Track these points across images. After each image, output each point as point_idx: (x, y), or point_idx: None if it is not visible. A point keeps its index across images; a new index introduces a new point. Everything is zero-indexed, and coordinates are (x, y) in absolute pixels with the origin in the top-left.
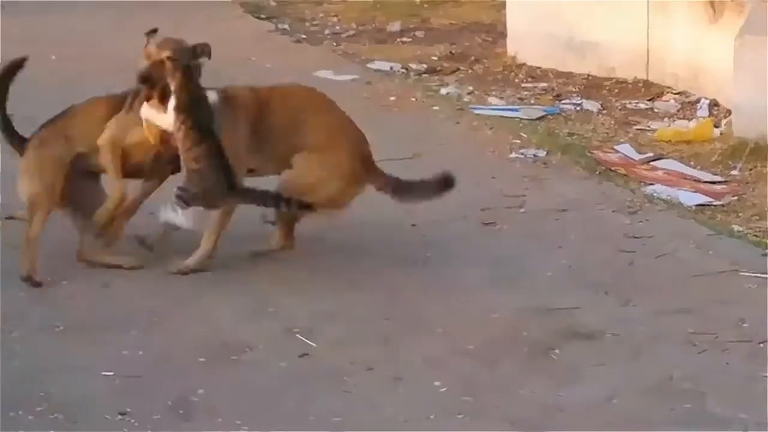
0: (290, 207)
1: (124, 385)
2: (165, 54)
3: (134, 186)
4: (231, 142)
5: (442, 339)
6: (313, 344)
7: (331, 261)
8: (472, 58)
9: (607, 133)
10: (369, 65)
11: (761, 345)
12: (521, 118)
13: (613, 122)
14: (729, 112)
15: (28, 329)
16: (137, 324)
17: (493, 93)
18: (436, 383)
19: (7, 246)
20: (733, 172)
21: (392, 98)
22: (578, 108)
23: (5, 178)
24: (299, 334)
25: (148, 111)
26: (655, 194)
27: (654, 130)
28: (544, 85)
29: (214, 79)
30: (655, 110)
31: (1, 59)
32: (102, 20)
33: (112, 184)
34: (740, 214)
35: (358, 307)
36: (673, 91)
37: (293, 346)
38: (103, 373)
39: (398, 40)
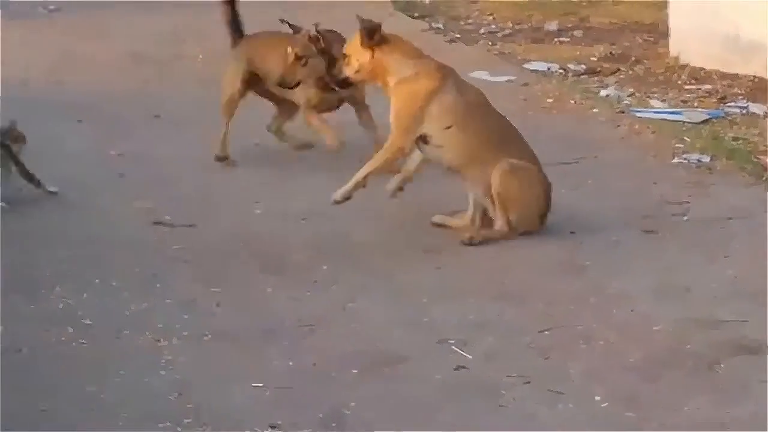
0: None
1: (274, 396)
2: None
3: None
4: None
5: (602, 351)
6: (469, 356)
7: (483, 269)
8: (633, 58)
9: None
10: (526, 66)
11: None
12: (684, 122)
13: None
14: None
15: (176, 338)
16: (287, 333)
17: (655, 95)
18: (597, 398)
19: (158, 253)
20: None
21: (550, 100)
22: (744, 111)
23: None
24: (454, 346)
25: None
26: None
27: None
28: (708, 87)
29: None
30: None
31: (149, 57)
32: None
33: None
34: None
35: (513, 318)
36: None
37: (448, 358)
38: (253, 384)
39: (556, 39)
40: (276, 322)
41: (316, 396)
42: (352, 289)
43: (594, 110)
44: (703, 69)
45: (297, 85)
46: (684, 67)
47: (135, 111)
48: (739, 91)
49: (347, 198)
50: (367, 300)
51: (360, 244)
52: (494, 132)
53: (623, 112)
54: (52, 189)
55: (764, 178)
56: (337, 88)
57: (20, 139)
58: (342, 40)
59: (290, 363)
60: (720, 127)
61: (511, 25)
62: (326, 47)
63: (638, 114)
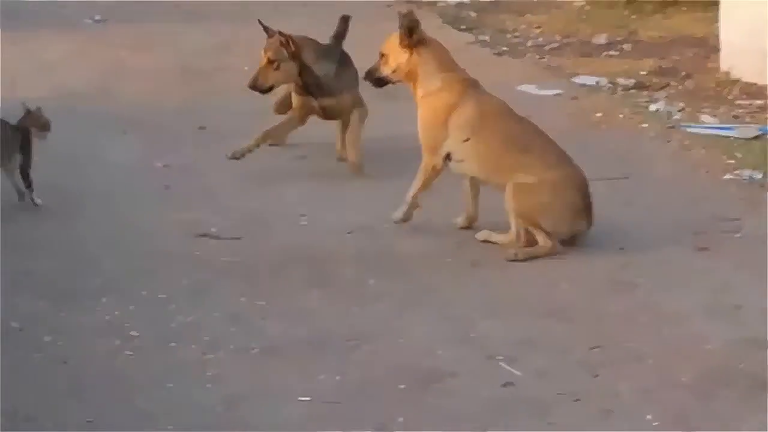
0: None
1: (321, 411)
2: None
3: None
4: None
5: (653, 370)
6: (518, 373)
7: (531, 285)
8: (683, 73)
9: None
10: (574, 79)
11: None
12: (736, 137)
13: None
14: None
15: (223, 352)
16: (334, 347)
17: (706, 110)
18: (648, 417)
19: (205, 265)
20: None
21: (598, 115)
22: None
23: None
24: (502, 362)
25: None
26: None
27: None
28: (760, 102)
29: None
30: None
31: (195, 69)
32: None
33: None
34: None
35: (562, 335)
36: None
37: (496, 375)
38: (300, 398)
39: (604, 53)
40: (323, 336)
41: (363, 411)
42: (398, 303)
43: (643, 125)
44: (755, 84)
45: (270, 89)
46: (735, 81)
47: (181, 123)
48: None
49: (406, 219)
50: (413, 315)
51: (406, 258)
52: (512, 139)
53: (673, 127)
54: (38, 201)
55: None
56: (312, 96)
57: (45, 126)
58: (315, 46)
59: (337, 377)
60: None
61: (559, 38)
62: (297, 51)
63: (689, 129)
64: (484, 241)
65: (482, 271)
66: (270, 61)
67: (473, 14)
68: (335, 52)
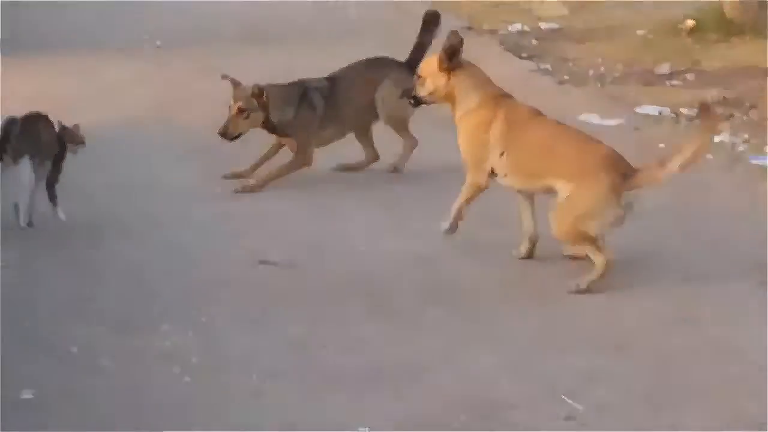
0: None
1: None
2: None
3: None
4: None
5: (717, 408)
6: (579, 407)
7: (593, 318)
8: (748, 103)
9: None
10: (636, 109)
11: None
12: None
13: None
14: None
15: (282, 380)
16: (393, 378)
17: None
18: None
19: (264, 292)
20: None
21: (661, 145)
22: None
23: None
24: (564, 396)
25: None
26: None
27: None
28: None
29: None
30: None
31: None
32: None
33: None
34: None
35: (625, 369)
36: None
37: (558, 408)
38: (360, 428)
39: (667, 82)
40: (382, 366)
41: None
42: (459, 334)
43: (707, 156)
44: None
45: (238, 137)
46: None
47: (241, 148)
48: None
49: (453, 230)
50: (474, 346)
51: (466, 288)
52: (543, 144)
53: (738, 159)
54: (62, 215)
55: None
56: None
57: (79, 140)
58: (278, 93)
59: (397, 407)
60: None
61: (621, 67)
62: (266, 102)
63: (754, 161)
64: (572, 258)
65: (544, 303)
66: (240, 111)
67: (534, 42)
68: (295, 96)
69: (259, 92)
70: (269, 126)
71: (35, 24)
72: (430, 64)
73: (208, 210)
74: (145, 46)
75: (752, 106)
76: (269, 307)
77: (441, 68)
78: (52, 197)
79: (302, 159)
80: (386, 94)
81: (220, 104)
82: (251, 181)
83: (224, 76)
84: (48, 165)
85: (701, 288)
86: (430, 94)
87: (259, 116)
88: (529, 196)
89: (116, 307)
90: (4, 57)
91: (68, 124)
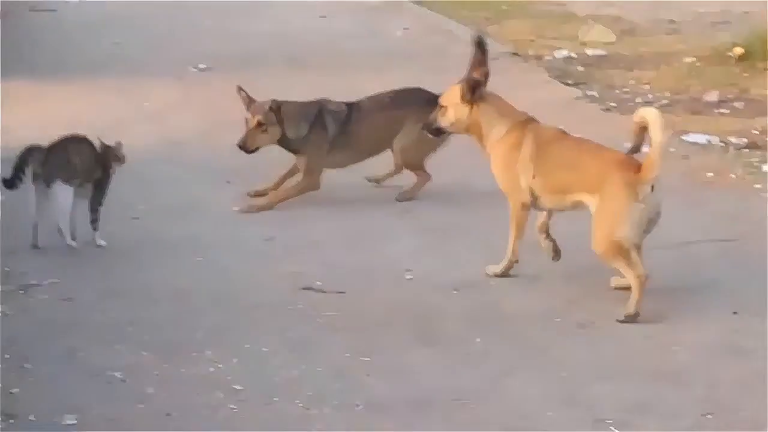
0: None
1: None
2: None
3: None
4: None
5: None
6: None
7: (641, 347)
8: None
9: None
10: (684, 137)
11: None
12: None
13: None
14: None
15: (327, 407)
16: (439, 406)
17: None
18: None
19: (309, 319)
20: None
21: (710, 174)
22: None
23: None
24: (613, 426)
25: None
26: None
27: None
28: None
29: None
30: None
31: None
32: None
33: None
34: None
35: (674, 400)
36: None
37: None
38: None
39: (716, 110)
40: (428, 394)
41: None
42: (505, 362)
43: (756, 186)
44: None
45: (256, 150)
46: None
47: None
48: None
49: (503, 274)
50: (521, 374)
51: (513, 316)
52: (568, 161)
53: None
54: (101, 242)
55: None
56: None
57: (121, 159)
58: (295, 109)
59: None
60: None
61: (668, 94)
62: (282, 117)
63: None
64: (621, 288)
65: (591, 332)
66: (259, 124)
67: (581, 69)
68: (311, 115)
69: (276, 107)
70: (284, 142)
71: (79, 46)
72: (452, 94)
73: (251, 233)
74: (190, 69)
75: None
76: (314, 334)
77: (464, 100)
78: (93, 221)
79: (309, 181)
80: (405, 143)
81: None
82: (260, 201)
83: (240, 89)
84: (89, 187)
85: (750, 319)
86: (452, 124)
87: (277, 131)
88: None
89: (159, 332)
90: (48, 79)
91: (110, 142)
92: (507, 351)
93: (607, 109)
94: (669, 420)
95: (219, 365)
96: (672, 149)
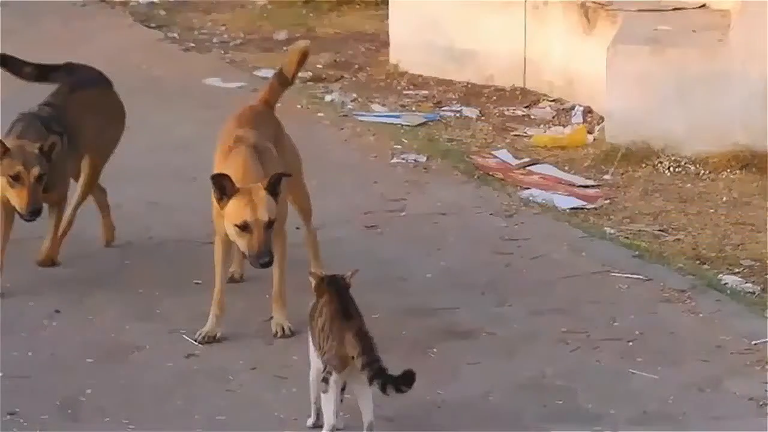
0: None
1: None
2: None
3: None
4: None
5: None
6: None
7: None
8: (356, 66)
9: (485, 139)
10: (256, 73)
11: (631, 343)
12: (403, 125)
13: (491, 128)
14: (602, 118)
15: None
16: None
17: (376, 100)
18: None
19: None
20: (606, 177)
21: (278, 105)
22: (458, 115)
23: None
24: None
25: None
26: (530, 198)
27: (530, 136)
28: (425, 92)
29: None
30: (532, 117)
31: None
32: None
33: None
34: (612, 218)
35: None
36: (549, 99)
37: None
38: None
39: (284, 48)
40: None
41: None
42: None
43: (319, 114)
44: (421, 76)
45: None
46: (403, 74)
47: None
48: (454, 97)
49: None
50: None
51: None
52: None
53: (347, 116)
54: None
55: (475, 177)
56: None
57: None
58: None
59: None
60: (435, 129)
61: (242, 35)
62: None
63: (360, 118)
64: None
65: None
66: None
67: (163, 13)
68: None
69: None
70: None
71: None
72: None
73: None
74: None
75: (360, 68)
76: None
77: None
78: None
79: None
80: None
81: None
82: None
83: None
84: None
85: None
86: None
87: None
88: None
89: None
90: None
91: None
92: None
93: (187, 50)
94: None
95: None
96: (244, 83)
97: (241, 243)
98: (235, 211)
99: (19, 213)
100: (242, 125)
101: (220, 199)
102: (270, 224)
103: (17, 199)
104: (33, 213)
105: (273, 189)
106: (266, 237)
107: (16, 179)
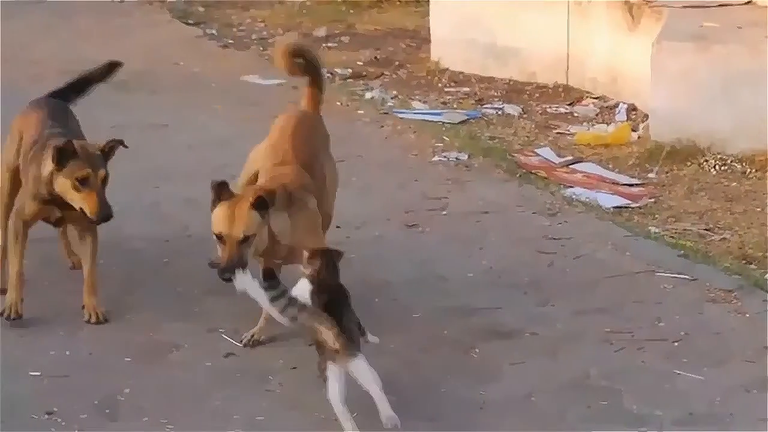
0: None
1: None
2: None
3: None
4: None
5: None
6: None
7: None
8: (396, 63)
9: (527, 136)
10: None
11: (676, 344)
12: (444, 122)
13: (533, 126)
14: (646, 116)
15: None
16: None
17: (417, 97)
18: None
19: None
20: (650, 175)
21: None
22: (500, 112)
23: None
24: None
25: None
26: (574, 197)
27: (573, 134)
28: (467, 89)
29: (143, 81)
30: (575, 114)
31: None
32: (31, 22)
33: None
34: (656, 216)
35: None
36: (593, 96)
37: None
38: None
39: (324, 45)
40: None
41: None
42: None
43: (359, 111)
44: (462, 73)
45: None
46: (444, 71)
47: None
48: (495, 94)
49: None
50: None
51: None
52: None
53: (387, 113)
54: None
55: (518, 175)
56: None
57: None
58: None
59: None
60: (477, 127)
61: (281, 31)
62: None
63: (401, 115)
64: None
65: None
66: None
67: (201, 9)
68: None
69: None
70: None
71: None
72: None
73: None
74: None
75: (400, 65)
76: None
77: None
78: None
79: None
80: None
81: None
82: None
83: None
84: None
85: (353, 232)
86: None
87: None
88: None
89: None
90: None
91: None
92: None
93: (225, 46)
94: None
95: None
96: (283, 80)
97: (218, 251)
98: (215, 219)
99: (88, 219)
100: (295, 145)
101: (212, 203)
102: (245, 240)
103: (85, 203)
104: (104, 219)
105: (261, 204)
106: (237, 252)
107: (83, 183)
